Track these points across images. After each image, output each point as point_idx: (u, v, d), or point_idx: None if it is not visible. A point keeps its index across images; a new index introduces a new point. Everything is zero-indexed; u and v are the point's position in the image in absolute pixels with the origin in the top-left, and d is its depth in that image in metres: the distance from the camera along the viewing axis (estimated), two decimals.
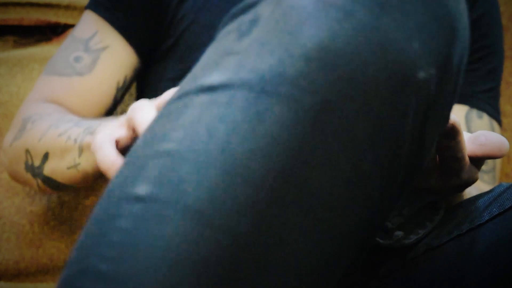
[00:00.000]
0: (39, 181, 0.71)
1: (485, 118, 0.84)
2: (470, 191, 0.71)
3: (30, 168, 0.71)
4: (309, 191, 0.32)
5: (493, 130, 0.84)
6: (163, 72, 0.82)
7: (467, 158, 0.50)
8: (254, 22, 0.35)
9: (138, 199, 0.31)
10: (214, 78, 0.33)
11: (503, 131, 0.89)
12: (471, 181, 0.54)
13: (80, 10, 0.96)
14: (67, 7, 0.97)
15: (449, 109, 0.39)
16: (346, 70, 0.33)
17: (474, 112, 0.84)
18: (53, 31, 1.00)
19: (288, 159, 0.32)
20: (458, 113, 0.84)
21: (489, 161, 0.83)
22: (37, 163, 0.70)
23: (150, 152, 0.32)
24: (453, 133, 0.47)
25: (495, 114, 0.85)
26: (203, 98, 0.33)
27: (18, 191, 0.89)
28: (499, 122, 0.86)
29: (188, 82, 0.35)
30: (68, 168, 0.65)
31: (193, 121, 0.32)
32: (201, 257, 0.29)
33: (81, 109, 0.79)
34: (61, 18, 0.97)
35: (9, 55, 0.96)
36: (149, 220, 0.30)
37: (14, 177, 0.77)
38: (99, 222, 0.31)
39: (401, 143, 0.35)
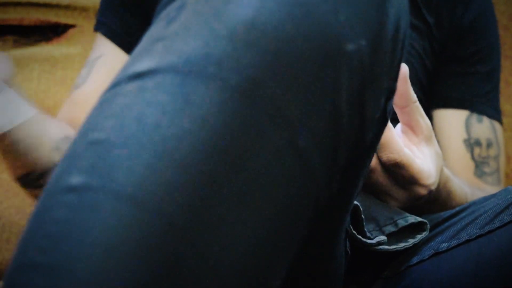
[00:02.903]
0: None
1: (485, 120, 0.85)
2: (477, 194, 0.72)
3: None
4: (242, 170, 0.32)
5: (494, 131, 0.85)
6: None
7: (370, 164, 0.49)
8: (181, 7, 0.35)
9: (72, 189, 0.31)
10: (143, 65, 0.33)
11: (504, 131, 0.89)
12: (382, 187, 0.57)
13: (80, 10, 0.95)
14: (67, 7, 0.97)
15: (391, 80, 0.39)
16: (270, 47, 0.33)
17: (474, 117, 0.85)
18: (53, 31, 0.99)
19: (218, 138, 0.31)
20: (458, 119, 0.85)
21: (492, 163, 0.84)
22: None
23: (83, 143, 0.32)
24: None
25: (495, 114, 0.86)
26: (132, 85, 0.33)
27: (18, 192, 0.89)
28: (500, 121, 0.87)
29: (120, 72, 0.35)
30: None
31: (123, 108, 0.32)
32: (135, 241, 0.29)
33: None
34: (61, 18, 0.97)
35: (9, 55, 0.95)
36: (82, 209, 0.30)
37: None
38: (37, 215, 0.31)
39: (337, 117, 0.35)
